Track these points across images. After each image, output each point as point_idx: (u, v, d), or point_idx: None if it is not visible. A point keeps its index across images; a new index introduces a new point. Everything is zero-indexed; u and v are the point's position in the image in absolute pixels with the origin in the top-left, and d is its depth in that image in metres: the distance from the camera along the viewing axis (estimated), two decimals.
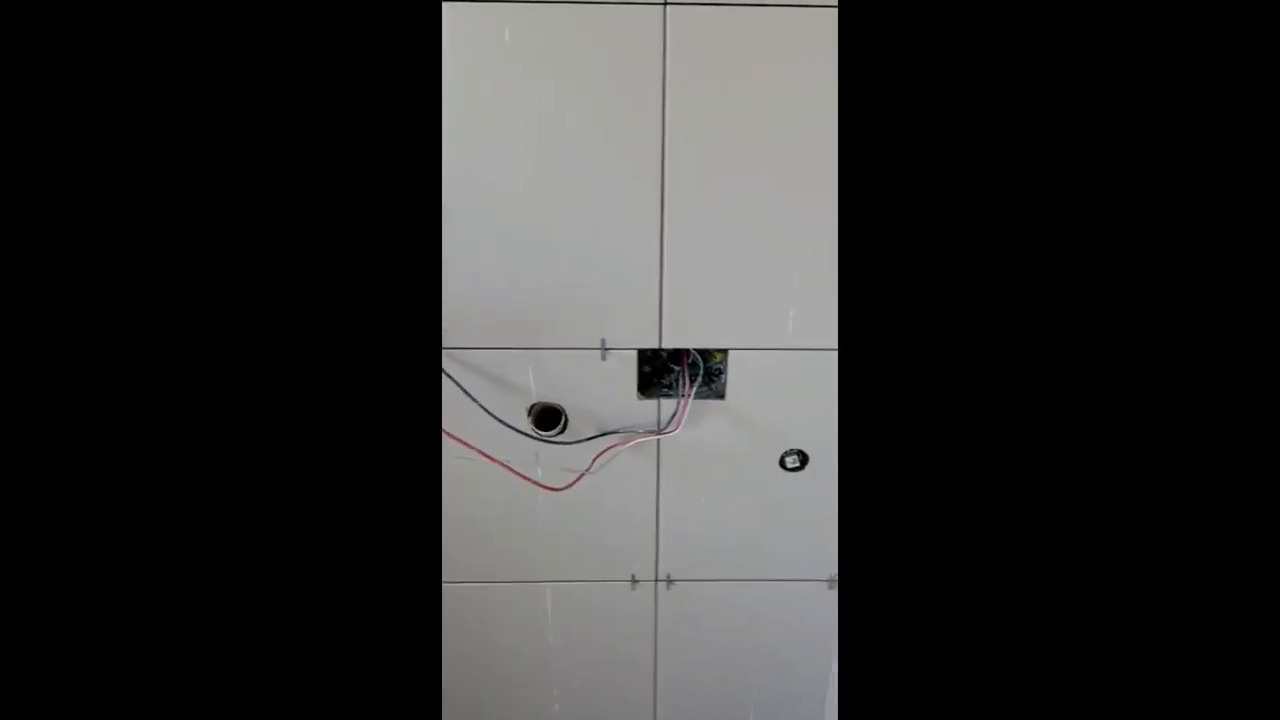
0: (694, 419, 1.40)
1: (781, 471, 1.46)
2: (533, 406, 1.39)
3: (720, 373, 1.39)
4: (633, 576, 1.58)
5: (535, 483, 1.39)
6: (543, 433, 1.39)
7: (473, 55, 1.14)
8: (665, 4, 1.11)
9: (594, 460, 1.40)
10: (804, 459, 1.45)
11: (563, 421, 1.39)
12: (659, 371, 1.41)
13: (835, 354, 1.34)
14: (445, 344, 1.31)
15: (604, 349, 1.34)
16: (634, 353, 1.35)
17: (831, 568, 1.57)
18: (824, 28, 1.11)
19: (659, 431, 1.40)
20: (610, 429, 1.41)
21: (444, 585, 1.51)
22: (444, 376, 1.31)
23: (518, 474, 1.38)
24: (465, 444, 1.34)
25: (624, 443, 1.40)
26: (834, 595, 1.59)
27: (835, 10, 1.10)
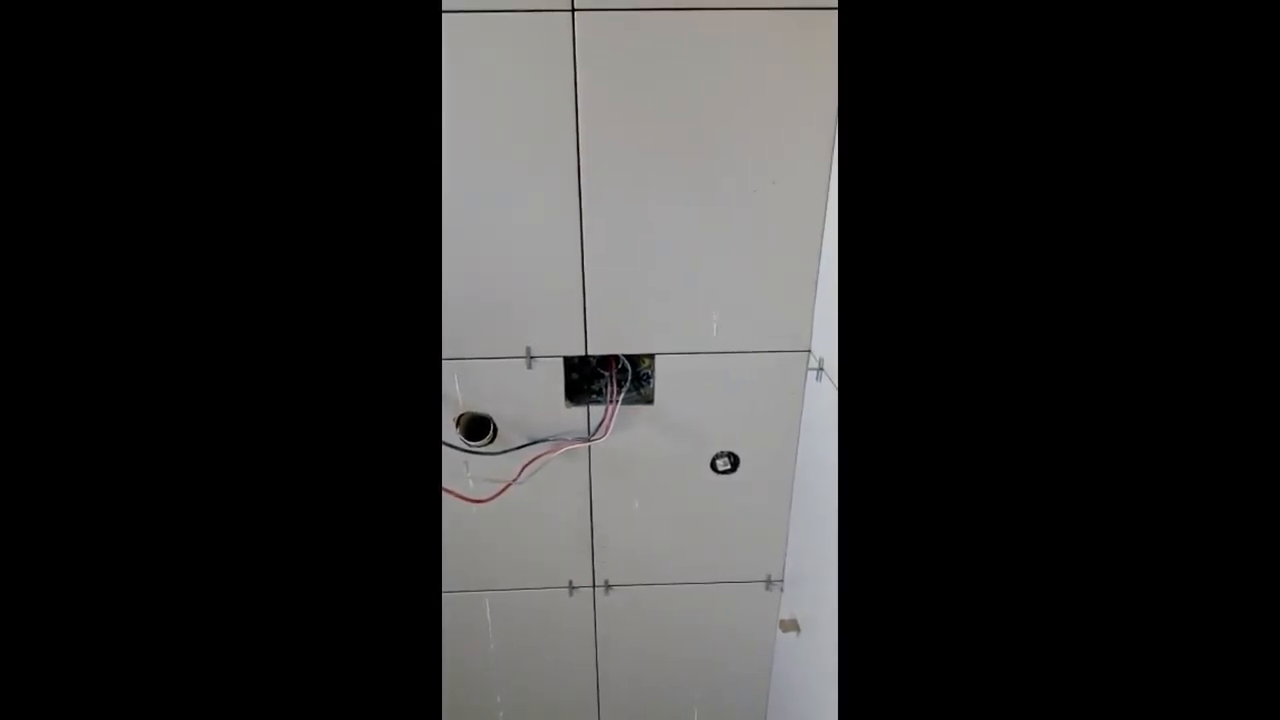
0: (625, 424, 1.40)
1: (713, 474, 1.47)
2: (460, 417, 1.38)
3: (649, 378, 1.38)
4: (570, 583, 1.58)
5: (457, 495, 1.38)
6: (471, 443, 1.37)
7: None
8: (573, 11, 1.10)
9: (521, 470, 1.39)
10: (735, 461, 1.45)
11: (491, 431, 1.38)
12: (588, 378, 1.40)
13: (759, 356, 1.35)
14: None
15: (529, 357, 1.33)
16: (560, 360, 1.34)
17: (767, 567, 1.58)
18: (739, 29, 1.11)
19: (588, 438, 1.40)
20: (540, 437, 1.40)
21: None
22: None
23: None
24: None
25: (553, 451, 1.39)
26: (771, 595, 1.60)
27: (753, 12, 1.10)
